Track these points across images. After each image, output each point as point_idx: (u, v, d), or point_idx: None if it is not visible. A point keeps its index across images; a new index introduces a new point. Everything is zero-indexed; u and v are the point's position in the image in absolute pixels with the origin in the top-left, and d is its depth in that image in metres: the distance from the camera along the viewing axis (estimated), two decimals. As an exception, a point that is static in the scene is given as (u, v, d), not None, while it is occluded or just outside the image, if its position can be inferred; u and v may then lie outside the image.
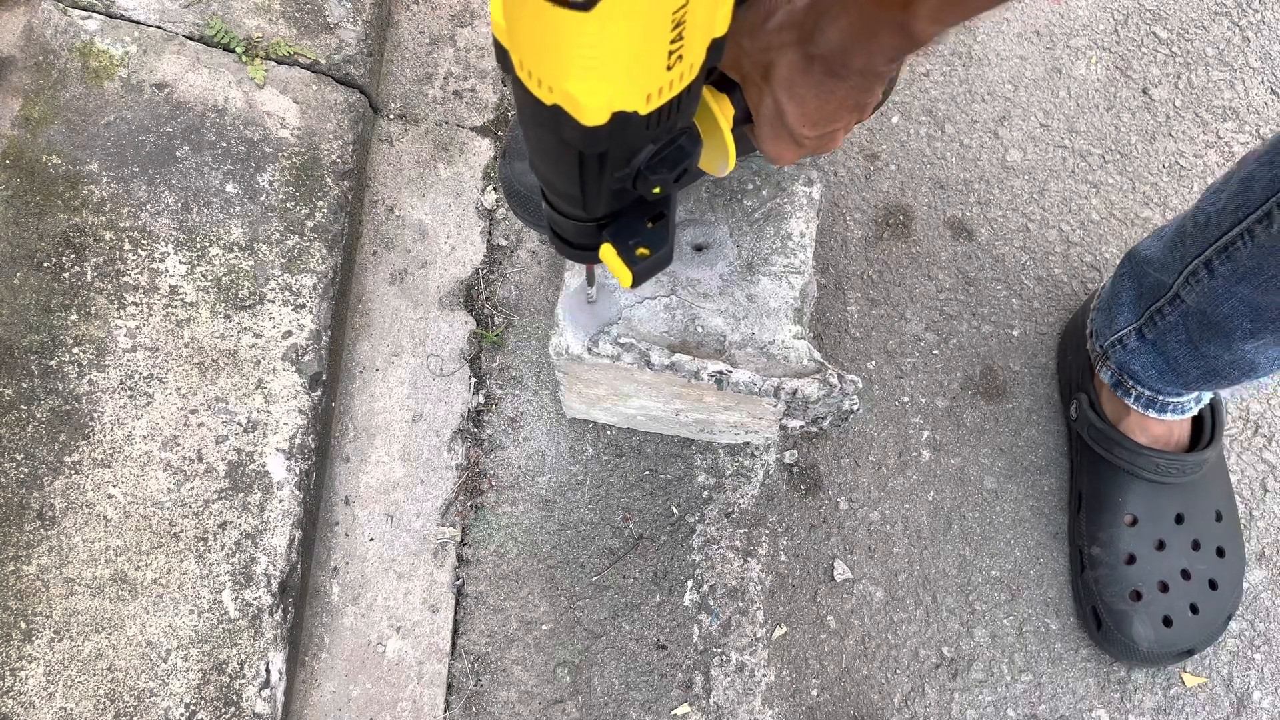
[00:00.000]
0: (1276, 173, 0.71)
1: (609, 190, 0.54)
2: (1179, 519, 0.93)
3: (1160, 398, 0.91)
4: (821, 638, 0.95)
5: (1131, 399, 0.93)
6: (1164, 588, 0.91)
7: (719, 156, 0.64)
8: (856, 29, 0.53)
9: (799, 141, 0.62)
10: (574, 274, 0.86)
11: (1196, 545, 0.93)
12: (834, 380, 0.83)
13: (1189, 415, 0.93)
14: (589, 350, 0.83)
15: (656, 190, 0.53)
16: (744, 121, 0.63)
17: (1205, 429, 0.95)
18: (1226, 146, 1.15)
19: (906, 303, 1.07)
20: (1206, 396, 0.93)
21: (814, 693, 0.93)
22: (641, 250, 0.61)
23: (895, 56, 0.53)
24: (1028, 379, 1.05)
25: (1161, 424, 0.94)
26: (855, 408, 0.85)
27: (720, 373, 0.82)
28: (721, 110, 0.62)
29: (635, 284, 0.63)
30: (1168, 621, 0.90)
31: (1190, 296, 0.82)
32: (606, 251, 0.62)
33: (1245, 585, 0.97)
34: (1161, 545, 0.92)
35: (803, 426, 0.92)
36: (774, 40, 0.57)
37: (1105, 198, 1.13)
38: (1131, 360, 0.91)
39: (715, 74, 0.62)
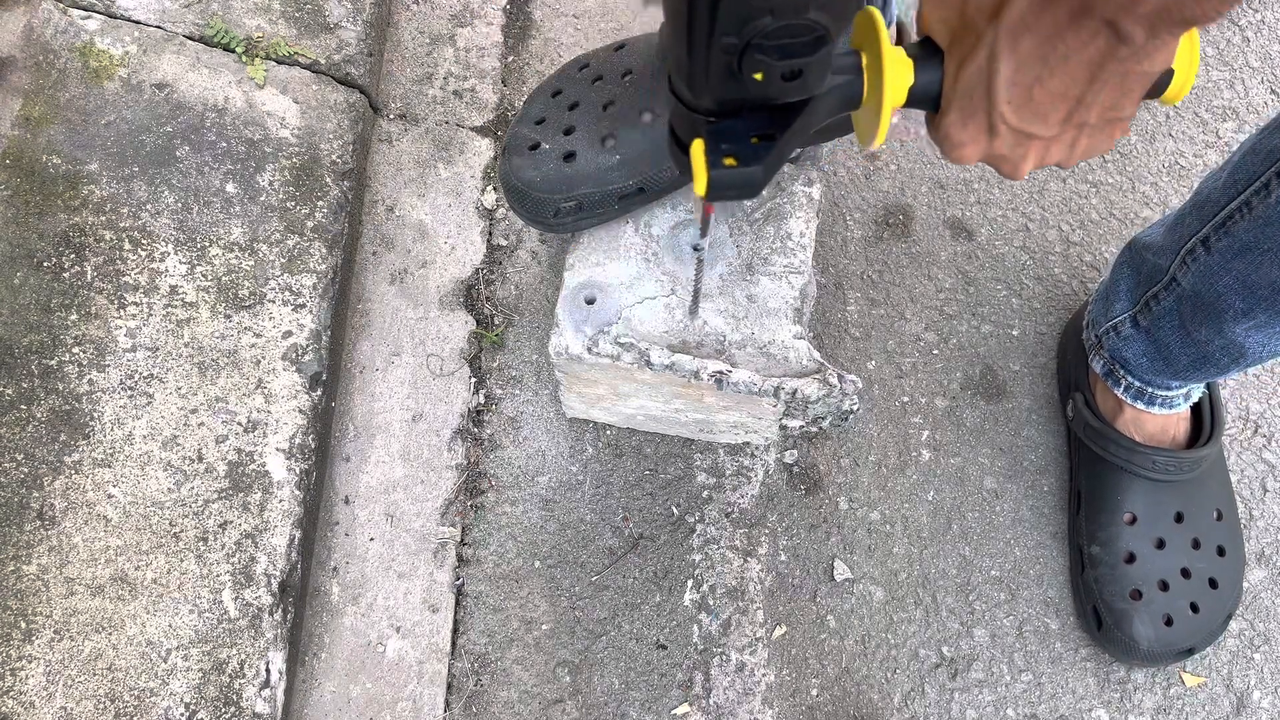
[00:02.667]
0: (1275, 144, 0.71)
1: (716, 65, 0.49)
2: (1179, 517, 0.93)
3: (1149, 389, 0.91)
4: (821, 637, 0.95)
5: (1121, 389, 0.93)
6: (1164, 586, 0.91)
7: (871, 124, 0.57)
8: None
9: (993, 125, 0.53)
10: (574, 273, 0.86)
11: (1197, 544, 0.93)
12: (834, 380, 0.83)
13: (1177, 411, 0.93)
14: (589, 350, 0.83)
15: (758, 76, 0.48)
16: (923, 103, 0.56)
17: (1204, 427, 0.95)
18: (1226, 146, 1.15)
19: (906, 303, 1.07)
20: (1196, 393, 0.92)
21: (814, 692, 0.94)
22: (730, 160, 0.55)
23: (1168, 5, 0.44)
24: (1028, 379, 1.05)
25: (1155, 420, 0.94)
26: (855, 408, 0.85)
27: (720, 373, 0.82)
28: (896, 74, 0.54)
29: (709, 193, 0.56)
30: (1168, 620, 0.90)
31: (1186, 279, 0.82)
32: (696, 147, 0.55)
33: (1245, 585, 0.97)
34: (1161, 544, 0.92)
35: (802, 426, 0.92)
36: None
37: (1105, 197, 1.13)
38: (1124, 348, 0.91)
39: (921, 39, 0.56)
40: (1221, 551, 0.93)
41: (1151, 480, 0.93)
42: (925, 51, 0.55)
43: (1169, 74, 0.57)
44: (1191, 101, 1.17)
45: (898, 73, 0.55)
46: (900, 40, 0.60)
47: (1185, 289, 0.82)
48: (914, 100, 0.56)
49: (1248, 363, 0.83)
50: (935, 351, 1.06)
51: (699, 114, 0.55)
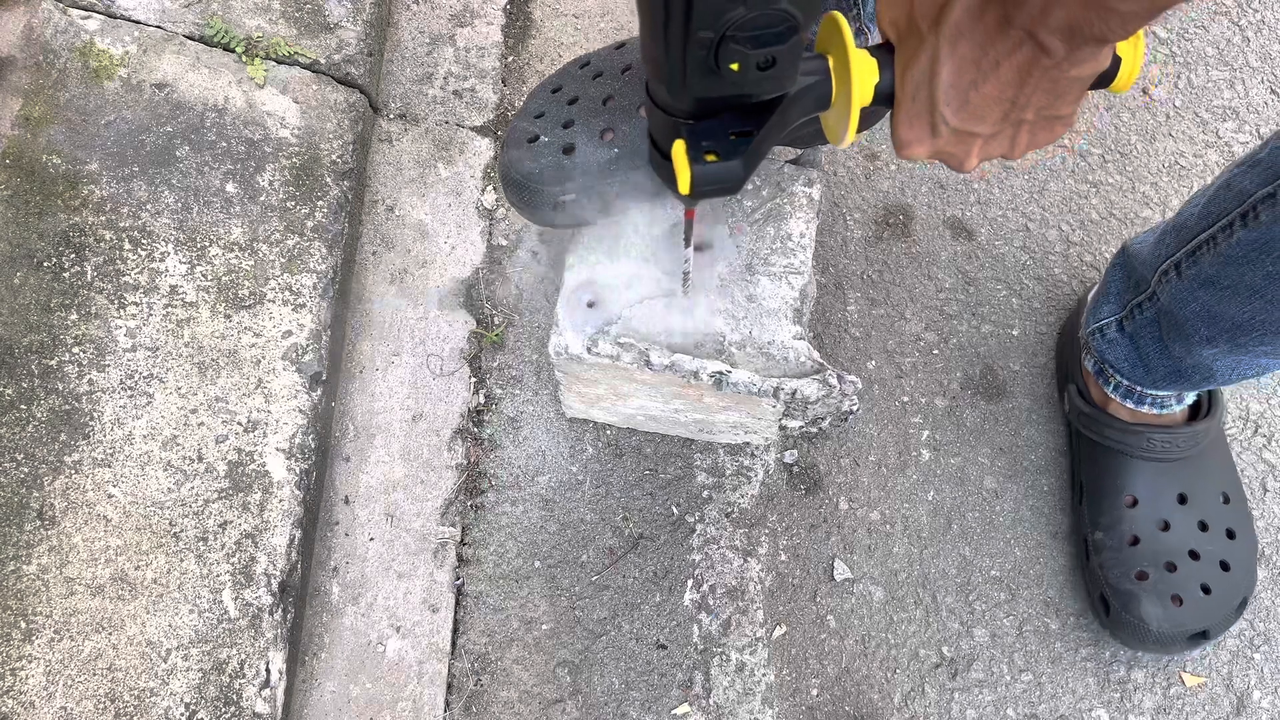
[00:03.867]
0: (1246, 185, 0.72)
1: (694, 60, 0.51)
2: (1182, 499, 0.92)
3: (1138, 389, 0.91)
4: (821, 637, 0.95)
5: (1111, 388, 0.93)
6: (1171, 567, 0.89)
7: (841, 123, 0.60)
8: None
9: (935, 125, 0.56)
10: (574, 273, 0.86)
11: (1204, 526, 0.91)
12: (833, 381, 0.83)
13: (1169, 412, 0.92)
14: (588, 350, 0.83)
15: (734, 67, 0.51)
16: (888, 101, 0.59)
17: (1202, 406, 0.94)
18: (1226, 146, 1.15)
19: (906, 302, 1.07)
20: (1189, 397, 0.92)
21: (814, 692, 0.94)
22: (711, 156, 0.58)
23: (1077, 14, 0.47)
24: (1027, 379, 1.05)
25: (1141, 410, 0.94)
26: (854, 408, 0.85)
27: (719, 373, 0.82)
28: (861, 74, 0.57)
29: (693, 190, 0.58)
30: (1177, 600, 0.88)
31: (1163, 295, 0.82)
32: (677, 148, 0.58)
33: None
34: (1166, 526, 0.91)
35: (802, 427, 0.92)
36: None
37: (1105, 197, 1.13)
38: (1109, 350, 0.91)
39: (883, 42, 0.59)
40: (1231, 534, 0.91)
41: (1149, 460, 0.92)
42: (887, 52, 0.58)
43: (1115, 64, 0.59)
44: (1191, 101, 1.17)
45: (863, 73, 0.57)
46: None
47: (1163, 305, 0.83)
48: (879, 99, 0.59)
49: (1218, 383, 0.84)
50: (935, 351, 1.06)
51: (678, 118, 0.58)
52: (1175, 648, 0.90)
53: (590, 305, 0.84)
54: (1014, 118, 0.55)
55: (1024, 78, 0.52)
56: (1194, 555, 0.90)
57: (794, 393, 0.83)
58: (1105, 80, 0.60)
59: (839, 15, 0.58)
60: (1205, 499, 0.92)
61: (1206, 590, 0.89)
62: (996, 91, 0.53)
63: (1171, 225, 0.82)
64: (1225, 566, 0.90)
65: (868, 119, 0.63)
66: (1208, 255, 0.76)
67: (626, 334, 0.83)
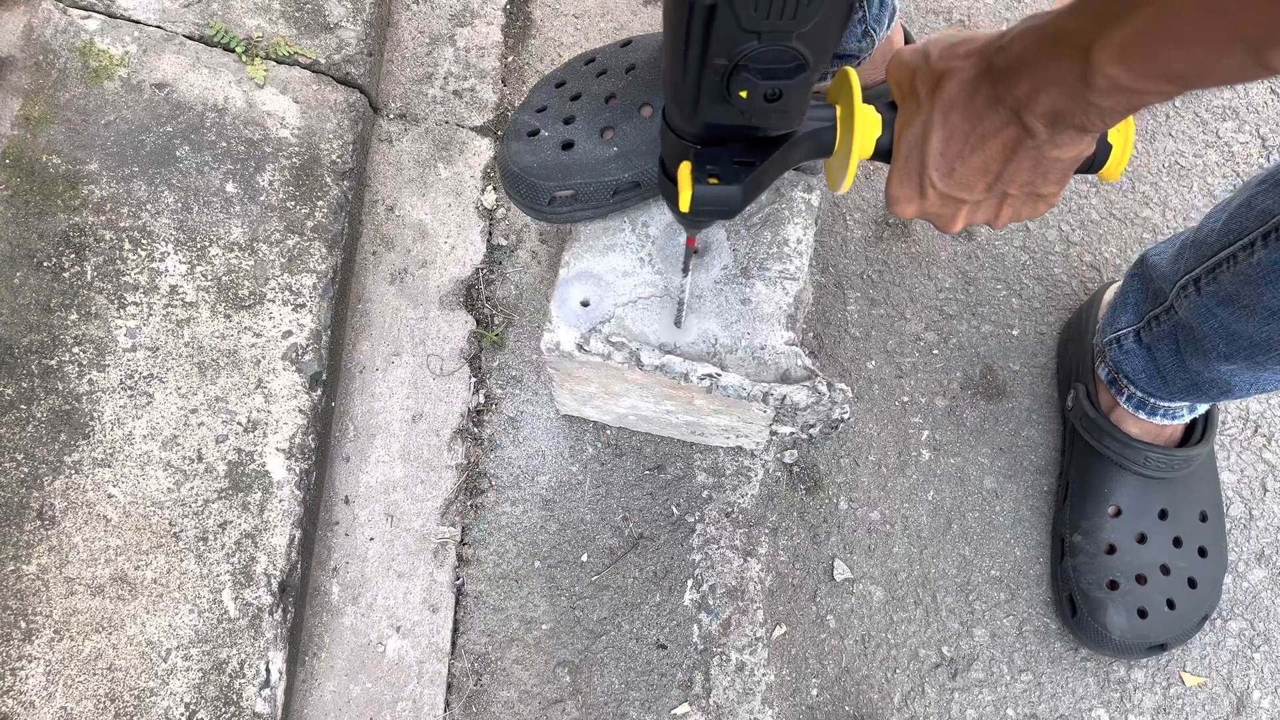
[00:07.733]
0: (1268, 205, 0.72)
1: (708, 85, 0.54)
2: (1163, 514, 0.94)
3: (1151, 400, 0.91)
4: (821, 637, 0.95)
5: (1123, 398, 0.93)
6: (1141, 580, 0.92)
7: (840, 171, 0.64)
8: (1040, 41, 0.50)
9: (923, 188, 0.60)
10: (569, 270, 0.86)
11: (1178, 542, 0.93)
12: (823, 388, 0.83)
13: (1180, 422, 0.93)
14: (579, 348, 0.83)
15: (743, 94, 0.53)
16: (883, 156, 0.63)
17: (1197, 428, 0.95)
18: (1226, 146, 1.15)
19: (906, 302, 1.07)
20: (1201, 407, 0.93)
21: (814, 692, 0.94)
22: (713, 179, 0.61)
23: (1060, 103, 0.50)
24: (1027, 379, 1.05)
25: (1153, 422, 0.94)
26: (845, 415, 0.85)
27: (710, 375, 0.82)
28: (864, 129, 0.61)
29: (692, 209, 0.62)
30: (1142, 613, 0.91)
31: (1182, 309, 0.83)
32: (682, 169, 0.62)
33: (1245, 585, 0.97)
34: (1143, 539, 0.93)
35: (793, 433, 0.92)
36: (960, 52, 0.56)
37: (1105, 197, 1.12)
38: (1125, 361, 0.91)
39: (884, 91, 0.63)
40: (1203, 553, 0.94)
41: (1141, 476, 0.93)
42: (892, 110, 0.62)
43: (1106, 150, 0.63)
44: (1191, 101, 1.17)
45: (866, 126, 0.61)
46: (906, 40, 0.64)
47: (1181, 319, 0.83)
48: (880, 154, 0.62)
49: (1235, 396, 0.85)
50: (935, 351, 1.05)
51: (688, 141, 0.61)
52: (1132, 656, 0.93)
53: (584, 303, 0.84)
54: (998, 190, 0.59)
55: (1009, 155, 0.55)
56: (1165, 570, 0.92)
57: (783, 399, 0.83)
58: (1096, 165, 0.63)
59: (851, 70, 0.61)
60: (1185, 516, 0.94)
61: (1171, 606, 0.91)
62: (982, 164, 0.57)
63: (1191, 239, 0.83)
64: (1193, 584, 0.92)
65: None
66: (1227, 273, 0.76)
67: (618, 333, 0.83)
